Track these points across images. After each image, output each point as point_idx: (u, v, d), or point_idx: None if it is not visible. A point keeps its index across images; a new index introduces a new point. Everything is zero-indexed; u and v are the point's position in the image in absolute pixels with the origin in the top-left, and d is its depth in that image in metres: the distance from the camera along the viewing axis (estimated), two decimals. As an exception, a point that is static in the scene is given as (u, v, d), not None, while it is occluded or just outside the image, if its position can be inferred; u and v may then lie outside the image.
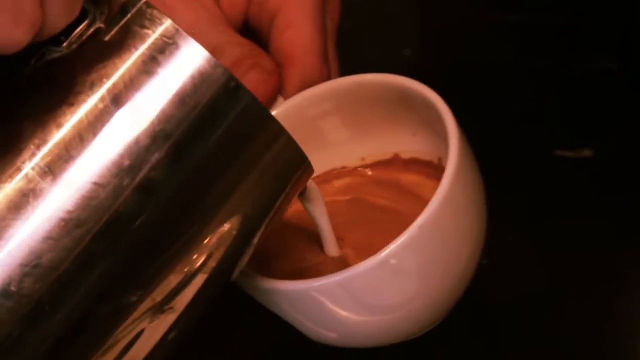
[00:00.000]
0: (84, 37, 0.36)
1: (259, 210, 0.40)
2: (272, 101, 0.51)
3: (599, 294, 0.54)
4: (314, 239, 0.48)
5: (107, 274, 0.35)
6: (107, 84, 0.35)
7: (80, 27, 0.36)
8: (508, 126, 0.62)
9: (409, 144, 0.51)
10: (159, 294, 0.37)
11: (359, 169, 0.53)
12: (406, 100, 0.49)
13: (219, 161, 0.37)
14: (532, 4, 0.69)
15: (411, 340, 0.48)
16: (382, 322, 0.46)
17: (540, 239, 0.56)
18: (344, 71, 0.52)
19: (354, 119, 0.52)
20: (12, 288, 0.34)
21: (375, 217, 0.50)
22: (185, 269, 0.38)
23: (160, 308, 0.37)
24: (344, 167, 0.53)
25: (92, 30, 0.36)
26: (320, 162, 0.52)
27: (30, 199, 0.34)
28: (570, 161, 0.60)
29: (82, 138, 0.35)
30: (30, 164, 0.35)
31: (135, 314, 0.37)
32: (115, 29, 0.36)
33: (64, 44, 0.36)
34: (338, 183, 0.53)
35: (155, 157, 0.35)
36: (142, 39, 0.36)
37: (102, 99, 0.35)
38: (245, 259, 0.41)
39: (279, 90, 0.51)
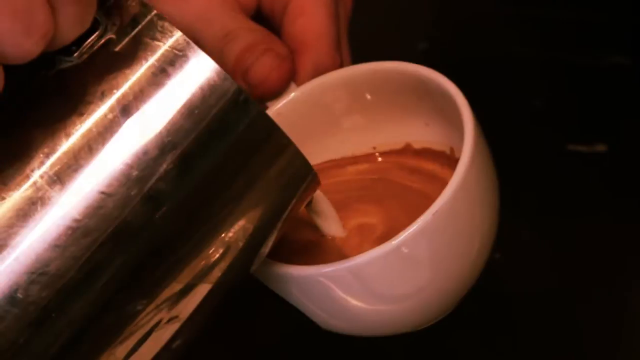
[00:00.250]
0: (95, 47, 0.36)
1: (265, 222, 0.40)
2: (285, 87, 0.50)
3: (614, 290, 0.54)
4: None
5: (113, 283, 0.36)
6: (117, 95, 0.36)
7: (92, 37, 0.36)
8: (521, 121, 0.62)
9: (421, 133, 0.51)
10: (164, 304, 0.37)
11: (374, 154, 0.53)
12: (421, 89, 0.48)
13: (226, 173, 0.37)
14: (546, -1, 0.69)
15: (419, 330, 0.47)
16: (391, 311, 0.46)
17: (553, 233, 0.56)
18: (361, 62, 0.52)
19: (367, 107, 0.51)
20: (19, 295, 0.34)
21: (402, 195, 0.50)
22: (190, 279, 0.38)
23: (165, 317, 0.38)
24: (355, 156, 0.53)
25: (103, 41, 0.36)
26: (331, 149, 0.53)
27: (39, 207, 0.35)
28: (583, 156, 0.60)
29: (91, 148, 0.35)
30: (39, 172, 0.35)
31: (140, 323, 0.37)
32: (127, 40, 0.36)
33: (75, 54, 0.36)
34: (353, 168, 0.53)
35: (164, 167, 0.36)
36: (153, 50, 0.36)
37: (111, 109, 0.35)
38: (251, 270, 0.42)
39: (292, 77, 0.50)
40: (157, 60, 0.36)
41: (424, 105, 0.49)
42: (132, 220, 0.35)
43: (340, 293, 0.44)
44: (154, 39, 0.36)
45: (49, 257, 0.34)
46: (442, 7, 0.73)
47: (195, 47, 0.36)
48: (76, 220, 0.35)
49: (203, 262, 0.38)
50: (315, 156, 0.52)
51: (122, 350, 0.37)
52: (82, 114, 0.35)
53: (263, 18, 0.53)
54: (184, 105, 0.36)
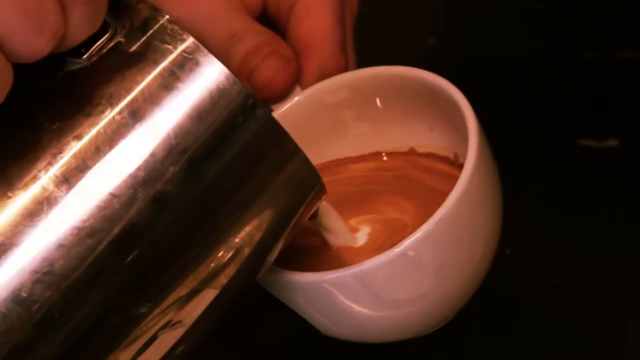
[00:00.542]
0: (104, 50, 0.36)
1: (270, 229, 0.40)
2: (290, 90, 0.50)
3: (626, 286, 0.54)
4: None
5: (118, 284, 0.36)
6: (126, 97, 0.36)
7: (101, 40, 0.36)
8: (532, 116, 0.61)
9: (425, 138, 0.51)
10: (168, 307, 0.37)
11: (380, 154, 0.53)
12: (425, 94, 0.48)
13: (233, 177, 0.37)
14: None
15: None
16: (394, 318, 0.46)
17: (564, 229, 0.56)
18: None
19: (371, 112, 0.51)
20: (23, 294, 0.34)
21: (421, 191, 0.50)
22: (196, 284, 0.38)
23: (169, 321, 0.38)
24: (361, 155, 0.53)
25: (112, 43, 0.36)
26: (335, 153, 0.53)
27: (45, 207, 0.35)
28: (594, 151, 0.60)
29: (98, 149, 0.35)
30: (46, 172, 0.35)
31: (144, 326, 0.37)
32: (136, 43, 0.36)
33: (84, 56, 0.36)
34: (355, 167, 0.53)
35: (171, 170, 0.36)
36: (163, 54, 0.36)
37: (120, 112, 0.36)
38: (256, 277, 0.42)
39: (297, 79, 0.50)
40: (167, 64, 0.36)
41: (429, 110, 0.49)
42: (138, 222, 0.35)
43: (344, 299, 0.44)
44: (164, 42, 0.36)
45: (54, 256, 0.35)
46: (452, 1, 0.72)
47: (205, 50, 0.36)
48: (82, 221, 0.35)
49: (209, 267, 0.38)
50: (319, 160, 0.52)
51: (126, 354, 0.37)
52: (90, 116, 0.35)
53: (268, 19, 0.53)
54: (193, 109, 0.36)
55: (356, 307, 0.44)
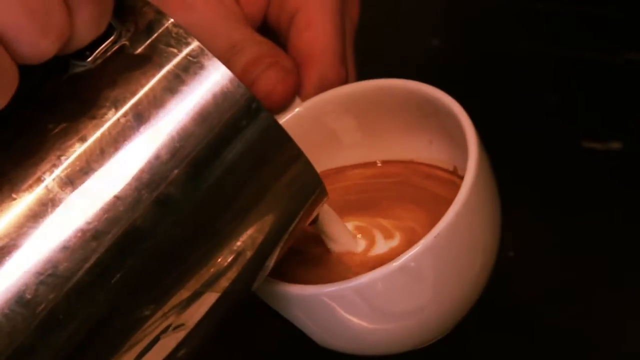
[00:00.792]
0: (109, 53, 0.37)
1: (273, 232, 0.40)
2: (290, 101, 0.50)
3: (630, 287, 0.54)
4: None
5: (121, 287, 0.36)
6: (130, 100, 0.36)
7: (106, 43, 0.37)
8: (536, 117, 0.61)
9: (425, 151, 0.51)
10: (171, 310, 0.37)
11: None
12: (425, 107, 0.48)
13: (236, 180, 0.37)
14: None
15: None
16: (392, 330, 0.46)
17: (567, 231, 0.56)
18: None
19: (371, 124, 0.51)
20: (27, 296, 0.34)
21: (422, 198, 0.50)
22: (198, 287, 0.38)
23: (171, 324, 0.38)
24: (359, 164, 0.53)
25: (117, 46, 0.37)
26: (334, 164, 0.53)
27: (49, 209, 0.35)
28: (598, 153, 0.60)
29: (103, 151, 0.35)
30: (50, 174, 0.35)
31: (147, 328, 0.37)
32: (141, 46, 0.36)
33: (89, 59, 0.36)
34: (354, 173, 0.53)
35: (175, 173, 0.36)
36: (167, 57, 0.36)
37: (124, 114, 0.36)
38: (258, 280, 0.42)
39: (297, 90, 0.50)
40: (171, 67, 0.36)
41: (428, 123, 0.49)
42: (142, 224, 0.36)
43: (343, 312, 0.44)
44: (169, 45, 0.36)
45: (58, 258, 0.35)
46: (454, 2, 0.72)
47: (210, 54, 0.36)
48: (86, 223, 0.35)
49: (211, 270, 0.38)
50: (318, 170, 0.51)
51: (128, 356, 0.37)
52: (94, 118, 0.36)
53: (269, 30, 0.54)
54: (197, 112, 0.36)
55: (355, 320, 0.44)
